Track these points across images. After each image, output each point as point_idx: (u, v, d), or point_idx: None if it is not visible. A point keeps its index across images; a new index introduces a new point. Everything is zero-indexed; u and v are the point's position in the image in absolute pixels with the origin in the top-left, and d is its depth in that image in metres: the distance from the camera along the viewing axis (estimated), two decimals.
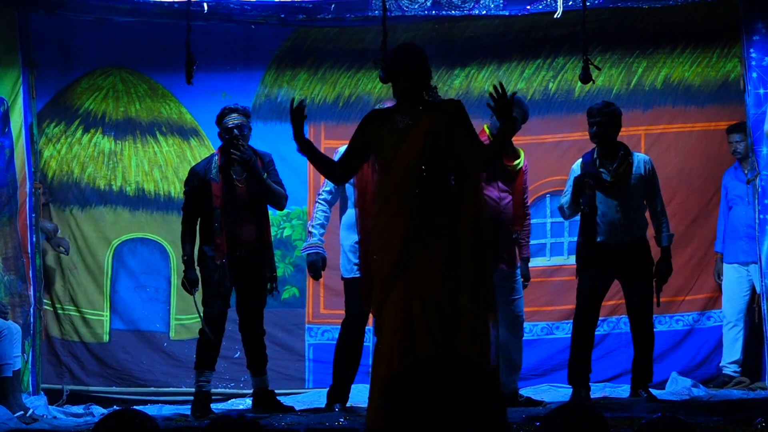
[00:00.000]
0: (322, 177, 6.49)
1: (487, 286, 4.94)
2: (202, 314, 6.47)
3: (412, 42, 5.61)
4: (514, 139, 6.60)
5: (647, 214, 6.64)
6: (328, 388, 6.50)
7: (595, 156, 6.56)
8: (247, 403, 7.07)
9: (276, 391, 6.69)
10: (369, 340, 6.71)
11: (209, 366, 6.46)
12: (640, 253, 6.47)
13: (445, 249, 4.90)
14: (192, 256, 6.46)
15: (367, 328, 6.40)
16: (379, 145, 5.00)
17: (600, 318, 7.01)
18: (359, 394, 6.48)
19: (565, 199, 6.59)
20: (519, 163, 6.48)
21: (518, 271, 6.52)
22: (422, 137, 4.92)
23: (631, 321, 6.56)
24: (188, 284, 6.46)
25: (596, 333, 6.84)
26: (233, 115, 6.50)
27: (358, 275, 6.14)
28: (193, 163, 7.10)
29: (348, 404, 6.43)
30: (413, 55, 5.07)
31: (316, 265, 6.52)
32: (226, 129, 6.49)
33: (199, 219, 6.52)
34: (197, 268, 6.48)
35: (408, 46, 5.25)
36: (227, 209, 6.42)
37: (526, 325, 7.62)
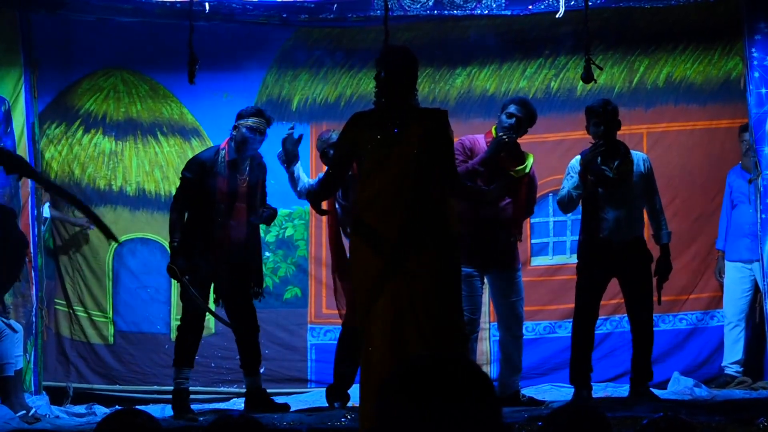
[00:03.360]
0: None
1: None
2: (196, 296, 6.33)
3: (404, 45, 5.59)
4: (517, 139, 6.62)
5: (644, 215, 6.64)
6: (326, 387, 6.52)
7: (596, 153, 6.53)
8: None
9: (278, 391, 6.69)
10: None
11: (188, 363, 6.43)
12: (640, 252, 6.47)
13: (435, 251, 4.91)
14: (181, 243, 6.41)
15: None
16: (367, 147, 5.00)
17: (602, 317, 7.02)
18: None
19: (570, 182, 6.52)
20: (524, 169, 6.45)
21: (519, 274, 6.52)
22: (416, 141, 4.93)
23: (630, 320, 6.55)
24: (178, 271, 6.36)
25: (599, 332, 6.83)
26: (260, 119, 6.51)
27: None
28: None
29: (350, 403, 6.43)
30: (408, 61, 5.07)
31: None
32: (249, 128, 6.47)
33: (189, 208, 6.49)
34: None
35: (401, 50, 5.23)
36: (229, 205, 6.43)
37: (528, 323, 7.65)
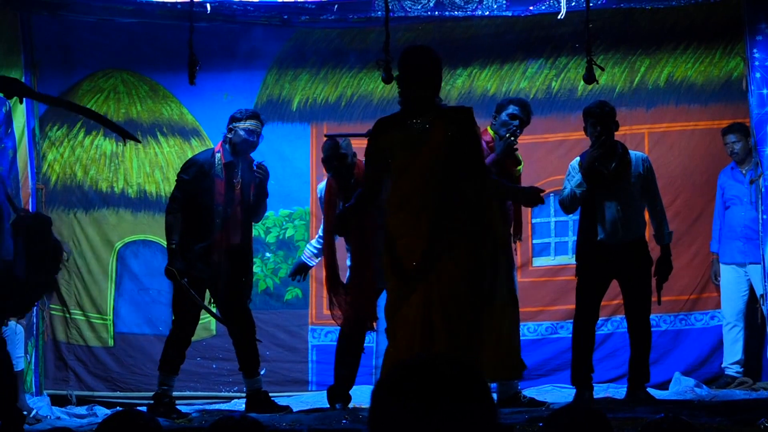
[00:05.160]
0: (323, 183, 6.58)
1: (507, 284, 5.03)
2: (196, 297, 6.37)
3: (426, 45, 5.54)
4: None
5: (646, 215, 6.64)
6: (327, 388, 6.53)
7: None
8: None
9: (279, 393, 6.67)
10: (371, 341, 6.72)
11: (174, 371, 6.46)
12: (640, 253, 6.47)
13: (465, 252, 4.89)
14: (178, 245, 6.41)
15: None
16: (393, 150, 4.99)
17: (603, 318, 7.01)
18: (362, 395, 6.48)
19: (574, 181, 6.51)
20: (521, 169, 6.52)
21: (515, 273, 6.56)
22: (441, 140, 4.93)
23: (628, 321, 6.55)
24: (177, 274, 6.36)
25: (599, 333, 6.83)
26: (257, 121, 6.50)
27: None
28: None
29: (352, 404, 6.44)
30: (430, 61, 5.04)
31: (298, 269, 6.76)
32: (247, 130, 6.46)
33: (185, 211, 6.49)
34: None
35: (422, 50, 5.17)
36: (225, 207, 6.43)
37: (530, 324, 7.67)
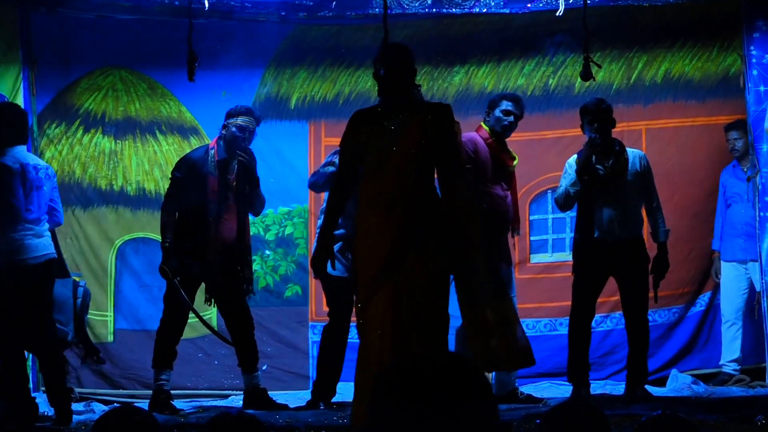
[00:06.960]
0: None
1: (483, 285, 5.00)
2: (186, 300, 6.39)
3: (398, 42, 5.60)
4: (514, 134, 6.67)
5: (643, 213, 6.64)
6: (311, 386, 6.54)
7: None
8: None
9: (280, 389, 6.67)
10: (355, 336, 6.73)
11: (168, 365, 6.46)
12: (636, 251, 6.47)
13: (435, 250, 4.90)
14: (173, 243, 6.42)
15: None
16: (368, 146, 4.99)
17: (602, 314, 7.00)
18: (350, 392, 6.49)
19: (568, 180, 6.52)
20: (515, 164, 6.56)
21: (512, 269, 6.56)
22: (416, 139, 4.92)
23: (626, 319, 6.55)
24: (170, 273, 6.38)
25: (600, 330, 6.82)
26: (250, 118, 6.51)
27: (341, 274, 6.28)
28: None
29: (342, 401, 6.44)
30: (400, 55, 5.07)
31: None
32: (239, 127, 6.47)
33: (180, 208, 6.49)
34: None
35: (394, 46, 5.24)
36: (219, 204, 6.43)
37: (529, 321, 7.67)
